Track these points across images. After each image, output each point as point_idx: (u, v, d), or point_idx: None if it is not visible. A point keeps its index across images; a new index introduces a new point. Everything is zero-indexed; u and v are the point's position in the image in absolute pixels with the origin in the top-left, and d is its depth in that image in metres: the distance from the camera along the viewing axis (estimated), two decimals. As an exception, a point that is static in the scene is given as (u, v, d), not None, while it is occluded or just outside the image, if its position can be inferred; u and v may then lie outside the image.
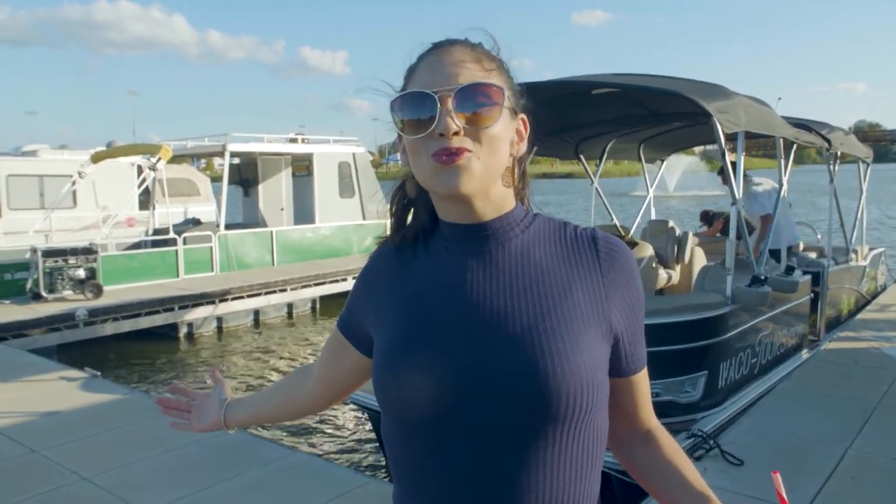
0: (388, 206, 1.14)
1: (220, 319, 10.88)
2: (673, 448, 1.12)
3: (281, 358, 9.63)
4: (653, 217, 8.63)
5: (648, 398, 1.13)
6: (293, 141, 14.71)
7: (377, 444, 5.93)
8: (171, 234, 11.61)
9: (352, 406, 5.36)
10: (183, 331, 10.46)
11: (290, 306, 11.81)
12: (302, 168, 14.56)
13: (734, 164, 5.34)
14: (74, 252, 9.99)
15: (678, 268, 7.37)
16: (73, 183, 12.46)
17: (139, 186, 12.25)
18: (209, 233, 11.98)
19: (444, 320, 1.00)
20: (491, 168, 0.98)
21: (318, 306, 12.12)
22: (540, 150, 7.10)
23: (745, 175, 6.96)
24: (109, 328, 9.56)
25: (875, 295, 9.10)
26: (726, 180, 6.91)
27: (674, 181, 48.36)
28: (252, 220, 14.71)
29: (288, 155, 14.53)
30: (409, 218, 1.12)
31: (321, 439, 6.53)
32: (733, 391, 4.92)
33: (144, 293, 10.24)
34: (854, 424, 4.51)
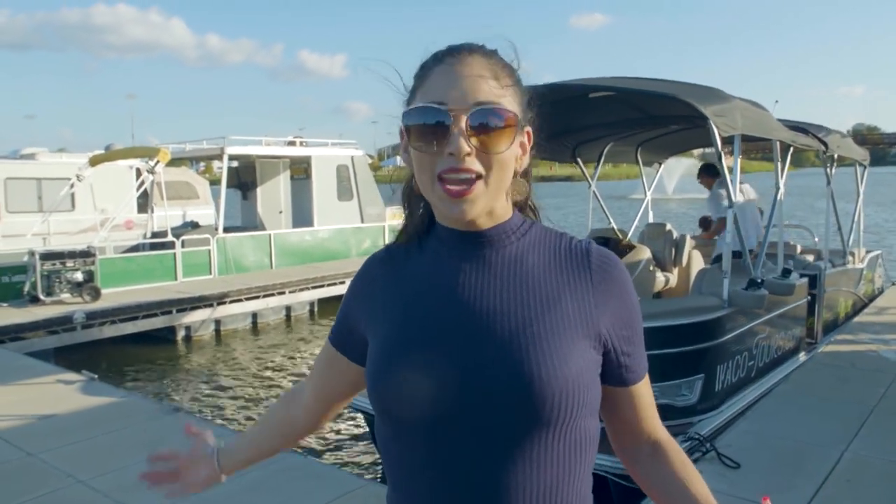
0: (402, 203, 1.13)
1: (218, 322, 10.87)
2: (681, 462, 1.11)
3: (279, 361, 9.62)
4: (651, 220, 8.64)
5: (651, 409, 1.13)
6: (291, 144, 14.73)
7: (374, 446, 5.93)
8: (170, 237, 11.60)
9: (350, 409, 5.37)
10: (181, 334, 10.45)
11: (288, 309, 11.80)
12: (300, 171, 14.56)
13: (731, 168, 5.35)
14: (72, 255, 9.99)
15: (676, 271, 7.38)
16: (72, 186, 12.45)
17: (137, 189, 12.25)
18: (207, 236, 11.98)
19: (439, 322, 1.01)
20: (496, 189, 1.00)
21: (316, 309, 12.13)
22: (537, 153, 7.10)
23: (722, 180, 7.01)
24: (107, 331, 9.55)
25: (872, 298, 9.11)
26: (709, 183, 6.99)
27: (673, 184, 48.38)
28: (250, 223, 14.71)
29: (286, 158, 14.53)
30: (420, 213, 1.12)
31: (320, 441, 6.53)
32: (730, 394, 4.92)
33: (142, 296, 10.23)
34: (851, 427, 4.51)
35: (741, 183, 6.86)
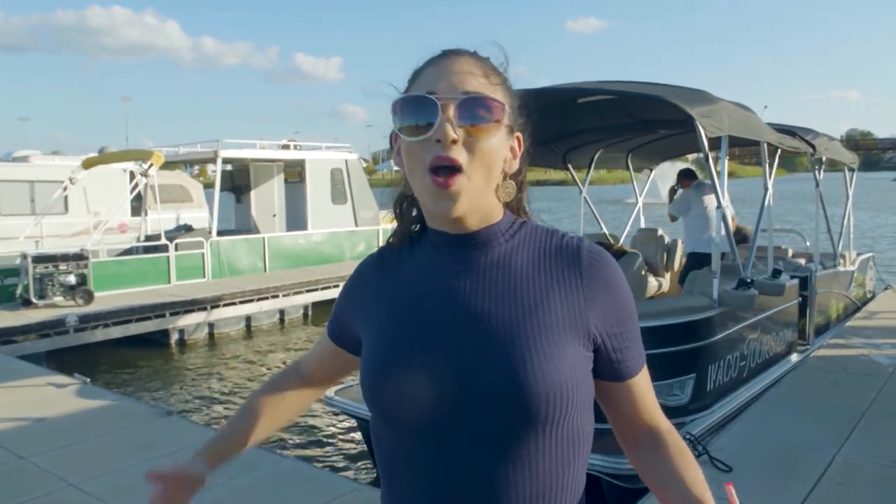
0: (393, 209, 1.14)
1: (211, 326, 10.85)
2: (677, 450, 1.10)
3: (272, 364, 9.60)
4: (642, 225, 8.67)
5: (650, 401, 1.13)
6: (285, 147, 14.73)
7: (366, 451, 5.93)
8: (163, 241, 11.59)
9: (340, 412, 5.36)
10: (174, 337, 10.42)
11: (281, 313, 11.79)
12: (294, 174, 14.57)
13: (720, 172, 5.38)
14: (65, 258, 9.95)
15: (668, 276, 7.42)
16: (65, 189, 12.42)
17: (131, 192, 12.23)
18: (201, 239, 11.95)
19: (430, 324, 1.03)
20: (482, 186, 1.00)
21: (310, 313, 12.11)
22: (527, 160, 7.12)
23: (700, 182, 7.08)
24: (100, 334, 9.52)
25: (865, 301, 9.15)
26: (687, 185, 7.09)
27: (667, 188, 48.48)
28: (244, 226, 14.70)
29: (280, 161, 14.54)
30: (411, 217, 1.13)
31: (311, 445, 6.52)
32: (722, 395, 4.94)
33: (135, 299, 10.19)
34: (842, 431, 4.53)
35: (711, 187, 6.95)
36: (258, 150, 14.09)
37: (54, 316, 9.13)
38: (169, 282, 11.27)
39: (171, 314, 10.25)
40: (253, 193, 14.72)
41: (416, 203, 1.09)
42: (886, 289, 10.23)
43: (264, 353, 10.24)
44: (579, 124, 6.57)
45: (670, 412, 4.44)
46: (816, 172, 7.68)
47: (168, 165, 13.84)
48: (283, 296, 11.64)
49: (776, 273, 5.72)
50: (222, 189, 13.40)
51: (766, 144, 5.97)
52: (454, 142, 0.96)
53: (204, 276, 11.80)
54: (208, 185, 16.99)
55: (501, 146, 1.02)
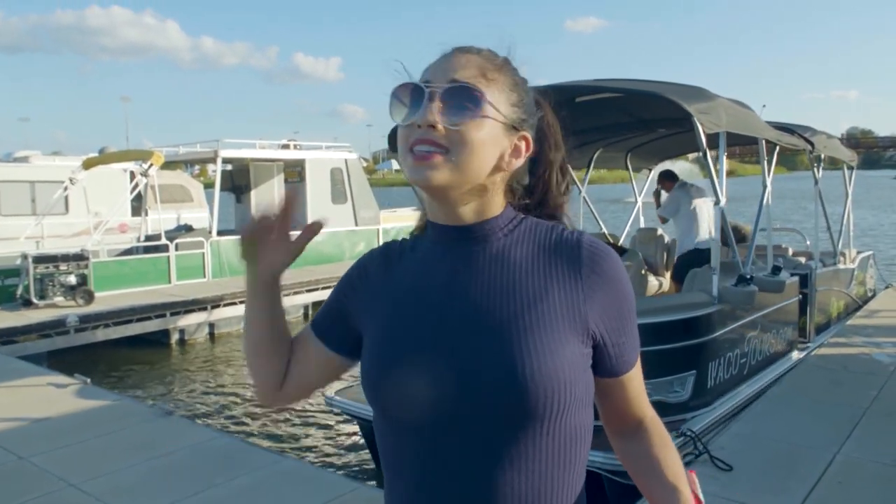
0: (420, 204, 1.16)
1: (212, 325, 10.85)
2: (659, 439, 1.12)
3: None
4: (642, 225, 8.67)
5: (640, 394, 1.13)
6: (285, 147, 14.74)
7: (367, 450, 5.92)
8: (164, 241, 11.59)
9: (344, 414, 5.36)
10: (175, 337, 10.43)
11: (282, 312, 11.78)
12: (294, 174, 14.56)
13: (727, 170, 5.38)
14: (66, 258, 9.95)
15: (668, 275, 7.41)
16: (65, 189, 12.43)
17: (131, 192, 12.23)
18: (201, 239, 11.96)
19: (429, 320, 1.03)
20: (465, 170, 0.99)
21: (310, 312, 12.10)
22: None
23: (682, 183, 7.08)
24: (101, 334, 9.53)
25: (865, 300, 9.13)
26: (669, 187, 7.10)
27: (667, 188, 48.48)
28: (244, 226, 14.67)
29: (280, 161, 14.54)
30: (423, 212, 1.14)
31: (311, 445, 6.52)
32: (723, 392, 4.93)
33: (136, 299, 10.19)
34: (843, 429, 4.52)
35: (698, 186, 6.95)
36: (258, 150, 14.10)
37: (55, 316, 9.14)
38: (169, 282, 11.28)
39: (172, 314, 10.25)
40: (253, 193, 14.71)
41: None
42: (887, 287, 10.21)
43: (265, 352, 10.20)
44: (577, 124, 6.51)
45: (671, 409, 4.45)
46: (815, 170, 7.67)
47: (168, 165, 13.84)
48: (283, 295, 11.58)
49: (776, 270, 5.71)
50: (222, 189, 13.39)
51: (764, 141, 5.96)
52: (433, 126, 0.97)
53: (204, 276, 11.80)
54: (208, 185, 16.98)
55: (492, 139, 1.01)
